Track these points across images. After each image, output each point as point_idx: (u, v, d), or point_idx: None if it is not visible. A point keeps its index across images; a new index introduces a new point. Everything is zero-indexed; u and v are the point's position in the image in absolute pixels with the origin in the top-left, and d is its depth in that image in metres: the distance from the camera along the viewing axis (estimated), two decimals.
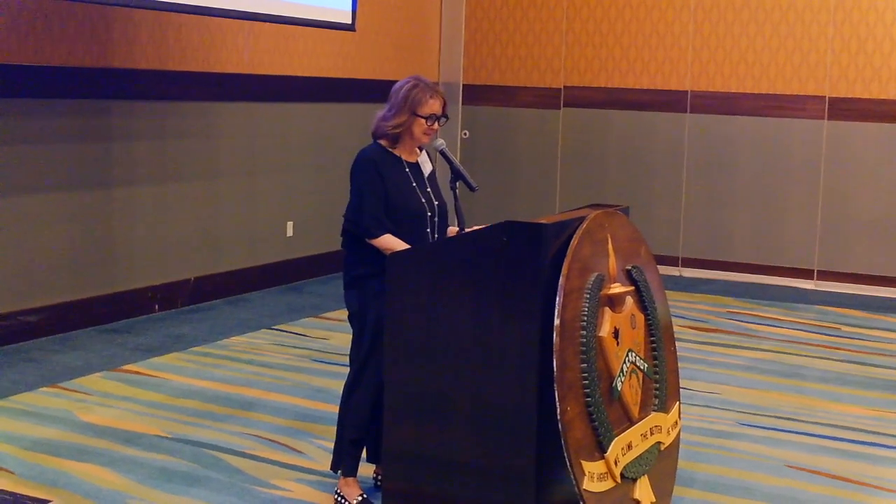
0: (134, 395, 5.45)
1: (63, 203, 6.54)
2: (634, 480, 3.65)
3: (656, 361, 3.91)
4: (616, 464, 3.53)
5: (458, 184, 4.10)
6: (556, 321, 3.37)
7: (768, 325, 7.56)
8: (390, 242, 3.92)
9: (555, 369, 3.34)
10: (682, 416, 4.23)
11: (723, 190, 9.28)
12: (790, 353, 6.75)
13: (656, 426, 3.85)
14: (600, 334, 3.56)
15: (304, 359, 6.27)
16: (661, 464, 3.88)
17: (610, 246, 3.72)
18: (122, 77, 6.85)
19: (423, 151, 4.17)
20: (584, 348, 3.45)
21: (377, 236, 3.94)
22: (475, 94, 10.11)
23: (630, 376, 3.70)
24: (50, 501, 4.12)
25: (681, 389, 4.27)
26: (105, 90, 6.76)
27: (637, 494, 3.66)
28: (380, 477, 4.22)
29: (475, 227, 3.85)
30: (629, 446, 3.63)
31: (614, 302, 3.66)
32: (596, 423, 3.45)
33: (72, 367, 5.88)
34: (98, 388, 5.55)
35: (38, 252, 6.40)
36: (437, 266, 3.68)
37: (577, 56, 9.70)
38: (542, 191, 9.87)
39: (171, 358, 6.18)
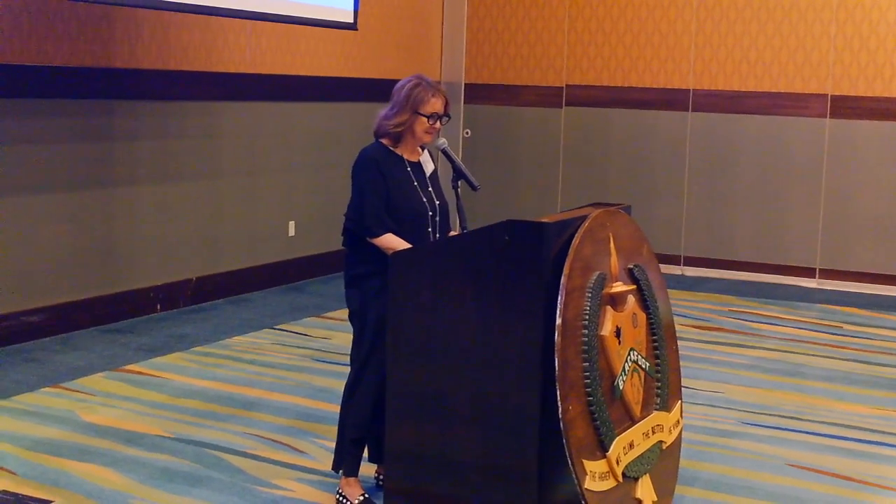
0: (136, 395, 5.46)
1: (65, 203, 6.54)
2: (636, 479, 3.65)
3: (658, 360, 3.91)
4: (618, 463, 3.52)
5: (459, 183, 4.10)
6: (558, 320, 3.36)
7: (771, 323, 7.55)
8: (391, 241, 3.91)
9: (556, 368, 3.34)
10: (684, 414, 4.23)
11: (725, 188, 9.27)
12: (793, 352, 6.74)
13: (658, 425, 3.84)
14: (602, 333, 3.55)
15: (305, 358, 6.27)
16: (662, 463, 3.87)
17: (612, 245, 3.72)
18: (124, 77, 6.85)
19: (426, 150, 4.17)
20: (586, 347, 3.45)
21: (378, 235, 3.93)
22: (477, 93, 10.10)
23: (632, 375, 3.69)
24: (52, 502, 4.12)
25: (683, 388, 4.26)
26: (107, 90, 6.76)
27: (639, 493, 3.66)
28: (381, 476, 4.22)
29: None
30: (631, 445, 3.63)
31: (616, 301, 3.66)
32: (598, 423, 3.45)
33: (74, 368, 5.88)
34: (100, 388, 5.55)
35: (39, 252, 6.40)
36: (439, 265, 3.68)
37: (578, 55, 9.69)
38: (543, 189, 9.87)
39: (173, 358, 6.18)
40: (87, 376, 5.73)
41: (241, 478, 4.42)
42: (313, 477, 4.44)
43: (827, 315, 7.86)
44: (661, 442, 3.85)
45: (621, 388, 3.62)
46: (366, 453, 4.21)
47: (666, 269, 8.86)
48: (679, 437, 4.09)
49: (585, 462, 3.39)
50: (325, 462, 4.43)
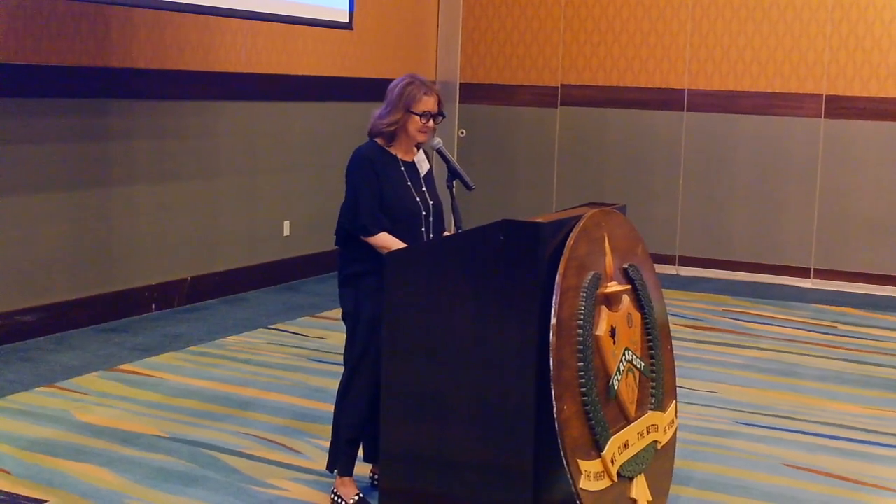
0: (131, 395, 5.45)
1: (60, 202, 6.53)
2: (631, 479, 3.65)
3: (653, 360, 3.91)
4: (612, 462, 3.53)
5: (454, 182, 4.10)
6: (553, 320, 3.37)
7: (765, 323, 7.56)
8: (386, 240, 3.92)
9: (551, 368, 3.34)
10: (679, 414, 4.23)
11: (720, 188, 9.28)
12: (787, 352, 6.75)
13: (653, 425, 3.84)
14: (597, 333, 3.55)
15: (301, 358, 6.27)
16: (657, 463, 3.88)
17: (607, 244, 3.72)
18: (120, 76, 6.84)
19: (421, 150, 4.17)
20: (581, 347, 3.45)
21: (373, 234, 3.93)
22: (472, 93, 10.10)
23: (627, 375, 3.70)
24: (47, 501, 4.12)
25: (678, 388, 4.27)
26: (104, 89, 6.75)
27: (633, 493, 3.66)
28: (376, 476, 4.22)
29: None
30: (626, 445, 3.63)
31: (611, 301, 3.66)
32: (592, 422, 3.45)
33: (69, 367, 5.87)
34: (95, 388, 5.54)
35: (34, 251, 6.40)
36: (435, 265, 3.68)
37: (574, 54, 9.70)
38: (539, 189, 9.87)
39: (169, 357, 6.17)
40: (82, 376, 5.73)
41: (237, 477, 4.42)
42: (308, 477, 4.45)
43: (821, 315, 7.87)
44: (655, 442, 3.85)
45: (616, 387, 3.62)
46: (361, 453, 4.21)
47: (661, 268, 8.88)
48: (674, 437, 4.10)
49: (580, 462, 3.39)
50: (321, 462, 4.43)
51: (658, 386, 3.91)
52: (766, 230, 9.15)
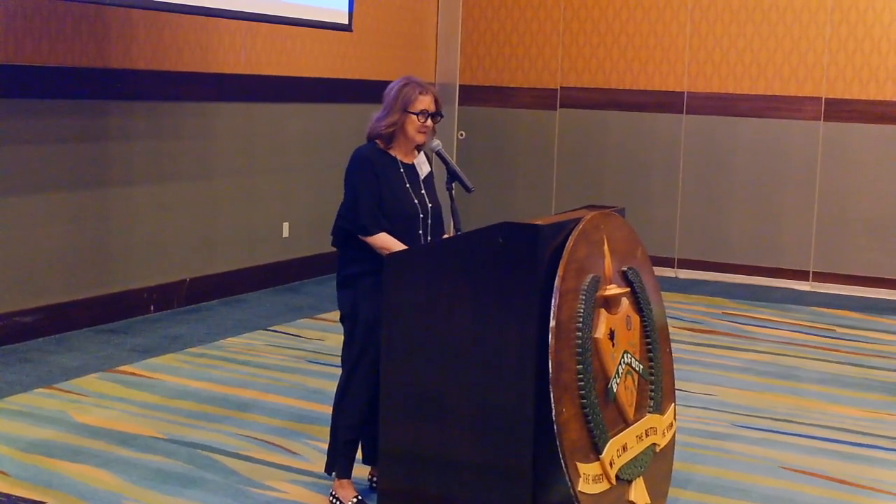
0: (129, 397, 5.45)
1: (59, 203, 6.53)
2: (629, 482, 3.65)
3: (652, 363, 3.91)
4: (611, 465, 3.53)
5: (454, 185, 4.10)
6: (552, 322, 3.37)
7: (764, 326, 7.56)
8: (385, 241, 3.91)
9: (550, 370, 3.34)
10: (677, 417, 4.23)
11: (719, 191, 9.28)
12: (786, 355, 6.75)
13: (652, 428, 3.84)
14: (596, 336, 3.55)
15: (299, 360, 6.27)
16: (656, 465, 3.88)
17: (606, 247, 3.72)
18: (119, 77, 6.84)
19: (422, 153, 4.17)
20: (580, 350, 3.45)
21: (373, 234, 3.93)
22: (472, 95, 10.10)
23: (625, 378, 3.70)
24: (45, 503, 4.12)
25: (677, 391, 4.27)
26: (102, 90, 6.75)
27: (632, 496, 3.66)
28: (375, 478, 4.22)
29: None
30: (624, 448, 3.63)
31: (610, 303, 3.66)
32: (591, 425, 3.45)
33: (67, 368, 5.87)
34: (93, 389, 5.54)
35: (34, 252, 6.40)
36: (434, 267, 3.68)
37: (573, 57, 9.70)
38: (538, 192, 9.87)
39: (167, 359, 6.17)
40: (80, 377, 5.72)
41: (235, 479, 4.41)
42: (307, 478, 4.44)
43: (820, 318, 7.87)
44: (654, 444, 3.85)
45: (615, 390, 3.62)
46: (359, 455, 4.21)
47: (660, 271, 8.88)
48: (672, 440, 4.10)
49: (579, 464, 3.39)
50: (319, 464, 4.43)
51: (657, 389, 3.91)
52: (765, 233, 9.15)
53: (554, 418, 3.32)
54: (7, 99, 6.16)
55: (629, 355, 3.74)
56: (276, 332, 6.91)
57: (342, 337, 4.12)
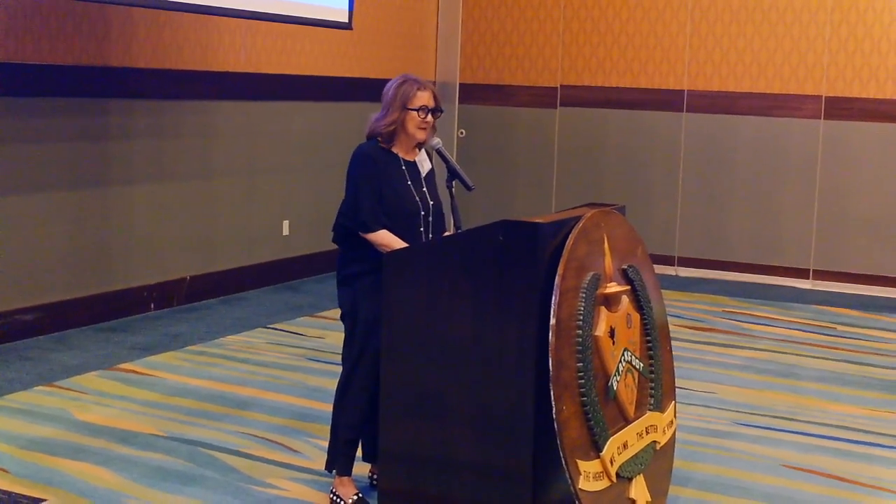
0: (130, 394, 5.45)
1: (60, 201, 6.53)
2: (630, 480, 3.65)
3: (652, 361, 3.91)
4: (611, 463, 3.53)
5: (454, 183, 4.10)
6: (552, 320, 3.37)
7: (764, 324, 7.56)
8: (386, 238, 3.92)
9: (550, 368, 3.34)
10: (677, 415, 4.23)
11: (719, 189, 9.28)
12: (786, 353, 6.75)
13: (652, 425, 3.85)
14: (596, 333, 3.56)
15: (299, 358, 6.27)
16: (656, 463, 3.88)
17: (606, 245, 3.72)
18: (119, 75, 6.84)
19: (423, 151, 4.17)
20: (580, 347, 3.45)
21: (373, 231, 3.93)
22: (472, 93, 10.10)
23: (626, 376, 3.70)
24: (45, 500, 4.12)
25: (677, 389, 4.27)
26: (102, 89, 6.75)
27: (632, 494, 3.66)
28: (375, 476, 4.22)
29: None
30: (625, 446, 3.63)
31: (610, 301, 3.66)
32: (592, 423, 3.45)
33: (68, 366, 5.87)
34: (94, 387, 5.54)
35: (34, 250, 6.40)
36: (434, 265, 3.68)
37: (573, 55, 9.70)
38: (538, 190, 9.87)
39: (167, 357, 6.17)
40: (81, 375, 5.72)
41: (235, 477, 4.42)
42: (307, 476, 4.45)
43: (820, 316, 7.88)
44: (654, 442, 3.86)
45: (615, 388, 3.62)
46: (359, 453, 4.21)
47: (660, 269, 8.88)
48: (673, 438, 4.10)
49: (579, 462, 3.39)
50: (319, 461, 4.43)
51: (657, 386, 3.91)
52: (765, 231, 9.15)
53: (554, 416, 3.33)
54: (7, 97, 6.16)
55: (629, 353, 3.74)
56: (276, 330, 6.91)
57: (342, 335, 4.13)
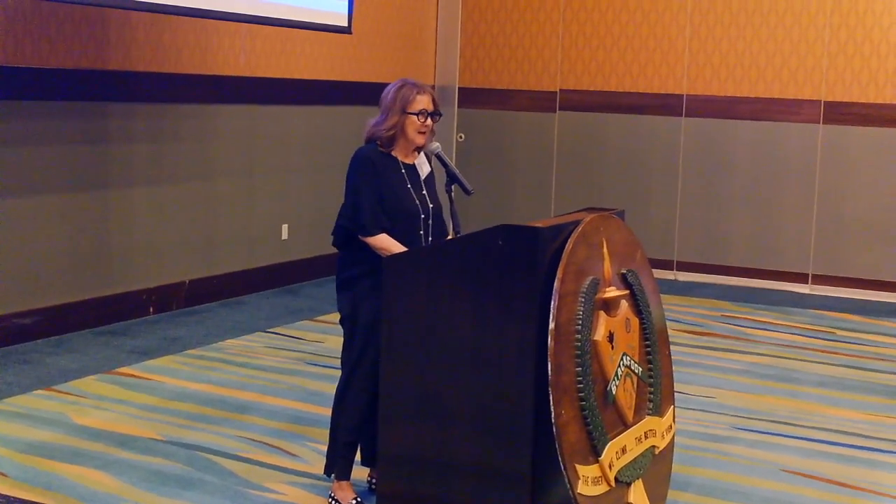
0: (128, 398, 5.45)
1: (59, 205, 6.53)
2: (629, 484, 3.65)
3: (651, 365, 3.91)
4: (610, 468, 3.53)
5: (453, 187, 4.10)
6: (551, 325, 3.37)
7: (763, 329, 7.56)
8: (385, 242, 3.91)
9: (549, 373, 3.34)
10: (676, 419, 4.23)
11: (718, 194, 9.29)
12: (785, 357, 6.75)
13: (651, 430, 3.84)
14: (595, 338, 3.55)
15: (298, 362, 6.27)
16: (655, 468, 3.88)
17: (605, 249, 3.72)
18: (118, 79, 6.84)
19: (422, 153, 4.17)
20: (579, 352, 3.45)
21: (373, 234, 3.93)
22: (471, 98, 10.11)
23: (625, 380, 3.69)
24: None
25: (676, 393, 4.26)
26: (102, 92, 6.75)
27: (631, 498, 3.66)
28: (374, 480, 4.22)
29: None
30: (623, 450, 3.63)
31: (609, 305, 3.66)
32: (590, 427, 3.45)
33: (66, 370, 5.87)
34: (92, 391, 5.54)
35: (33, 254, 6.39)
36: (434, 268, 3.68)
37: (573, 59, 9.70)
38: (537, 194, 9.87)
39: (166, 361, 6.17)
40: (79, 379, 5.72)
41: (234, 481, 4.41)
42: (306, 480, 4.44)
43: (819, 320, 7.87)
44: (653, 447, 3.85)
45: (614, 392, 3.62)
46: (358, 457, 4.21)
47: (659, 273, 8.88)
48: (672, 442, 4.09)
49: (578, 466, 3.39)
50: (318, 466, 4.43)
51: (656, 391, 3.91)
52: (764, 236, 9.15)
53: (553, 420, 3.32)
54: (7, 101, 6.16)
55: (628, 357, 3.74)
56: (275, 334, 6.91)
57: (341, 339, 4.12)
